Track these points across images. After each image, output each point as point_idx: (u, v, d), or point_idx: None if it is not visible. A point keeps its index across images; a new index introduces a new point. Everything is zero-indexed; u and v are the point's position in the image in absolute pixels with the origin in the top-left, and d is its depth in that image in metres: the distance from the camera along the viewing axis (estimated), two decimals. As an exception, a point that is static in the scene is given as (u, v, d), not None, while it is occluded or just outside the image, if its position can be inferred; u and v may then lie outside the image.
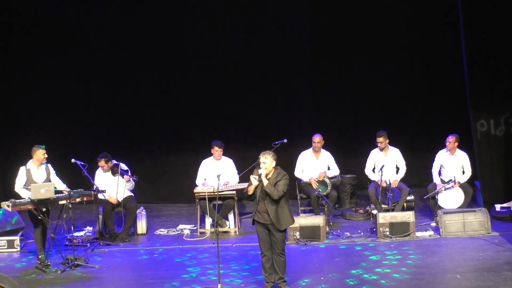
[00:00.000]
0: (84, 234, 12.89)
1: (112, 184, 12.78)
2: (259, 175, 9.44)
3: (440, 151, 13.25)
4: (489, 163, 13.39)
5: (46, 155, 11.62)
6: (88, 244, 12.33)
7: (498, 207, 13.11)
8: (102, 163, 12.83)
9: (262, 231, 9.62)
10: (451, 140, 13.05)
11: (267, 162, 9.47)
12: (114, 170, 12.81)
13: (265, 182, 9.43)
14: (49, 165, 11.76)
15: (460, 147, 13.22)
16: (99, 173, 12.96)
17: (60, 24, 15.09)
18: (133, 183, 12.90)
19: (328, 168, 13.38)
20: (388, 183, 13.08)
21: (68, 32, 15.11)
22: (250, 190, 9.63)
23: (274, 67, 15.29)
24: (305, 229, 12.11)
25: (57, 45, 15.18)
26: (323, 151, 13.46)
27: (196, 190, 13.07)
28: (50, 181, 11.56)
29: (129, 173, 12.82)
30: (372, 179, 13.40)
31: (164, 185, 15.67)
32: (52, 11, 15.06)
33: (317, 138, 13.33)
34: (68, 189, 11.51)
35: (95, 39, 15.16)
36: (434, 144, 13.68)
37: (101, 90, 15.39)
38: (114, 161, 12.92)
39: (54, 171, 11.81)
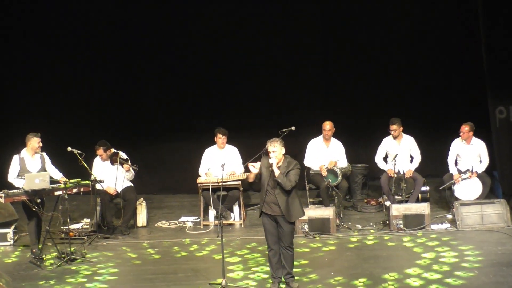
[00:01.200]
0: (81, 226, 12.85)
1: (111, 174, 12.77)
2: (270, 165, 9.37)
3: (455, 140, 13.19)
4: (508, 152, 13.36)
5: (41, 144, 11.61)
6: (85, 237, 12.32)
7: (518, 198, 13.07)
8: (100, 151, 12.81)
9: (269, 223, 9.59)
10: (464, 129, 12.99)
11: (276, 150, 9.40)
12: (113, 159, 12.80)
13: (277, 172, 9.37)
14: (44, 154, 11.76)
15: (477, 135, 13.16)
16: (97, 162, 12.96)
17: (57, 11, 15.14)
18: (133, 173, 12.90)
19: (337, 160, 13.34)
20: (401, 173, 13.06)
21: (66, 19, 15.17)
22: (250, 178, 9.61)
23: (283, 50, 15.32)
24: (314, 222, 12.12)
25: (53, 32, 15.24)
26: (333, 140, 13.44)
27: (199, 180, 13.09)
28: (45, 170, 11.56)
29: (129, 162, 12.81)
30: (381, 167, 13.39)
31: (165, 175, 15.72)
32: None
33: (327, 125, 13.30)
34: (65, 179, 11.50)
35: (92, 26, 15.21)
36: (450, 132, 13.61)
37: (99, 76, 15.44)
38: (113, 150, 12.90)
39: (50, 160, 11.79)
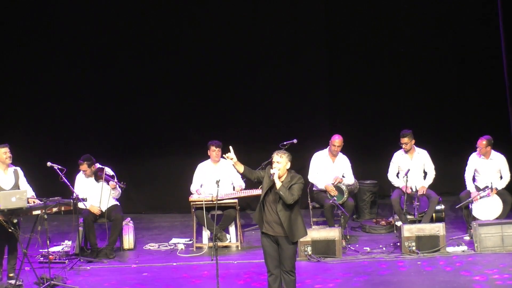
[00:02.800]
0: (62, 249, 12.81)
1: (95, 192, 12.69)
2: (272, 175, 9.31)
3: (473, 154, 13.20)
4: (531, 167, 13.33)
5: (9, 154, 11.43)
6: (67, 261, 12.22)
7: (542, 218, 13.00)
8: (84, 166, 12.73)
9: (269, 245, 9.50)
10: (481, 144, 12.98)
11: (281, 162, 9.37)
12: (98, 175, 12.70)
13: (278, 183, 9.30)
14: (19, 169, 11.64)
15: (497, 148, 13.13)
16: (80, 178, 12.89)
17: (45, 14, 15.24)
18: (120, 190, 12.81)
19: (343, 176, 13.28)
20: (414, 190, 13.02)
21: (51, 23, 15.25)
22: (237, 166, 9.52)
23: (284, 59, 15.39)
24: (318, 244, 12.06)
25: (33, 38, 15.30)
26: (340, 154, 13.39)
27: (192, 198, 13.03)
28: (18, 187, 11.43)
29: (115, 179, 12.72)
30: (396, 185, 13.36)
31: (154, 192, 15.73)
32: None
33: (337, 141, 13.20)
34: (35, 198, 11.34)
35: (78, 33, 15.26)
36: (467, 145, 13.62)
37: (82, 84, 15.44)
38: (98, 165, 12.82)
39: (24, 177, 11.70)
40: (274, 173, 9.30)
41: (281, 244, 9.42)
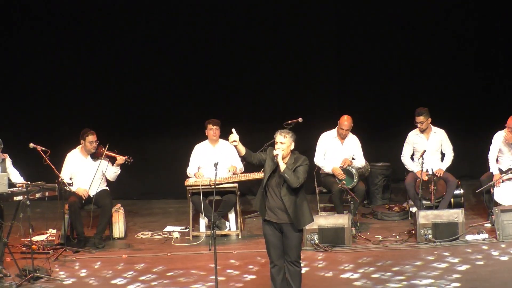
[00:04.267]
0: (46, 238, 12.72)
1: (88, 173, 12.74)
2: (275, 156, 9.26)
3: (499, 132, 13.14)
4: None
5: None
6: (51, 251, 12.18)
7: None
8: (94, 137, 12.72)
9: (272, 234, 9.47)
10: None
11: (285, 142, 9.34)
12: (99, 152, 12.68)
13: (282, 166, 9.26)
14: (7, 156, 11.75)
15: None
16: (72, 156, 12.88)
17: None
18: (119, 171, 12.84)
19: (353, 158, 13.25)
20: (430, 173, 13.02)
21: (44, 13, 15.37)
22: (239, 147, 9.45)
23: (290, 31, 15.39)
24: (325, 232, 12.06)
25: (28, 25, 15.39)
26: (349, 134, 13.42)
27: (188, 182, 13.02)
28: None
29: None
30: (411, 168, 13.40)
31: (147, 176, 15.77)
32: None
33: (345, 123, 13.22)
34: (25, 182, 11.33)
35: (74, 18, 15.36)
36: (489, 123, 13.64)
37: (70, 65, 15.49)
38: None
39: (11, 162, 11.81)
40: (277, 154, 9.25)
41: (286, 232, 9.39)
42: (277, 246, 9.46)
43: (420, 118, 13.19)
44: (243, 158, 10.02)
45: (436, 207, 12.77)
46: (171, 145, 15.32)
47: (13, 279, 10.97)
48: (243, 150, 9.42)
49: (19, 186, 11.32)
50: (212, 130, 13.17)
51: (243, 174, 13.03)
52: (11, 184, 11.26)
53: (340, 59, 15.40)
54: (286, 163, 9.28)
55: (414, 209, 12.96)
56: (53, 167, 12.05)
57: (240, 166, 13.20)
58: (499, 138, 13.07)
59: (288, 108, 14.69)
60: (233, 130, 9.35)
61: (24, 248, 12.05)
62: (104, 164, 12.78)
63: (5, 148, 11.74)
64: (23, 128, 14.80)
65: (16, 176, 11.70)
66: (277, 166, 9.28)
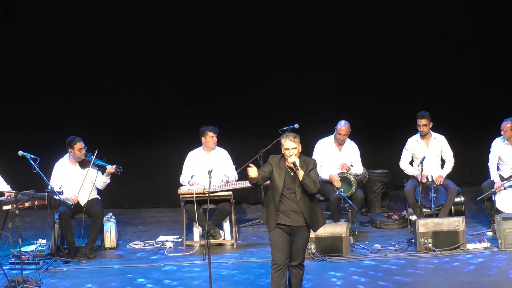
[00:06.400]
0: (36, 248, 12.74)
1: (76, 181, 12.72)
2: (292, 163, 9.31)
3: (496, 139, 13.25)
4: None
5: None
6: (41, 262, 12.20)
7: None
8: (81, 144, 12.71)
9: (282, 237, 9.51)
10: (506, 126, 13.03)
11: (296, 147, 9.43)
12: (86, 161, 12.66)
13: (301, 173, 9.36)
14: None
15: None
16: (60, 165, 12.88)
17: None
18: (109, 180, 12.83)
19: (351, 165, 13.27)
20: (430, 180, 13.04)
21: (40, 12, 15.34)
22: (253, 176, 9.43)
23: (286, 34, 15.45)
24: (322, 241, 12.07)
25: (20, 25, 15.38)
26: (348, 140, 13.43)
27: (181, 190, 13.01)
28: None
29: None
30: (411, 173, 13.44)
31: (139, 185, 15.76)
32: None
33: (343, 128, 13.23)
34: (12, 192, 11.34)
35: (67, 21, 15.35)
36: (490, 130, 13.70)
37: (55, 66, 15.47)
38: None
39: None
40: (294, 162, 9.32)
41: (298, 234, 9.51)
42: (285, 249, 9.51)
43: (423, 121, 13.22)
44: (255, 185, 9.89)
45: (436, 215, 12.79)
46: (163, 152, 15.34)
47: (2, 290, 11.03)
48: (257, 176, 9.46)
49: (8, 196, 11.35)
50: (212, 138, 13.14)
51: (237, 182, 13.03)
52: (-1, 193, 11.34)
53: (338, 64, 15.40)
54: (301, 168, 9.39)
55: (413, 217, 12.97)
56: (43, 175, 12.05)
57: (234, 174, 13.22)
58: (497, 145, 13.15)
59: (284, 113, 14.67)
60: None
61: (13, 259, 12.01)
62: (94, 172, 12.77)
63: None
64: (12, 135, 14.79)
65: (2, 185, 11.67)
66: (286, 171, 9.37)
